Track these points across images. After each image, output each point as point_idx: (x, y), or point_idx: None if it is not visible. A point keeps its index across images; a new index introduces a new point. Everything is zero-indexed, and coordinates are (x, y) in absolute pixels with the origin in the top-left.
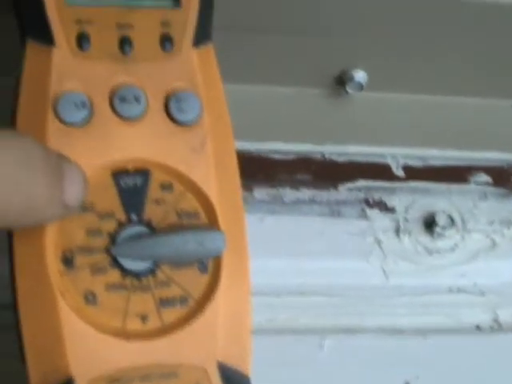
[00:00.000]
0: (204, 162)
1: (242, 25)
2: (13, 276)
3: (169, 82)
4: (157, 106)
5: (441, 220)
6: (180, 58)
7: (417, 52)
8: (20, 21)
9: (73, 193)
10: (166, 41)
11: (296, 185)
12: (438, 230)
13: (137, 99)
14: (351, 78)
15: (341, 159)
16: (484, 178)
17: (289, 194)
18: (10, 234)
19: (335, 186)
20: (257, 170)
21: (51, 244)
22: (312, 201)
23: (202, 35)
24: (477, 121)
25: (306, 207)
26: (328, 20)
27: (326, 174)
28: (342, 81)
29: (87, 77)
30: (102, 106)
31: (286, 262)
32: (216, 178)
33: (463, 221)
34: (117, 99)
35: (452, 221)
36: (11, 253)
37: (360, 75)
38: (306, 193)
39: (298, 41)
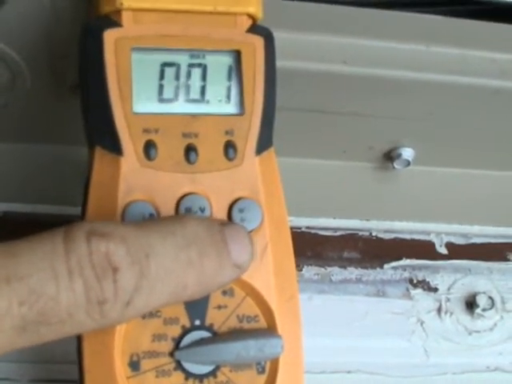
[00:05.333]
0: (264, 267)
1: (296, 106)
2: (81, 378)
3: (232, 190)
4: (220, 214)
5: (481, 301)
6: (243, 166)
7: (460, 129)
8: (88, 128)
9: (240, 253)
10: (230, 148)
11: (343, 263)
12: (478, 311)
13: (202, 209)
14: (399, 155)
15: (387, 236)
16: None
17: (336, 272)
18: (78, 338)
19: (381, 265)
20: (305, 247)
21: (119, 349)
22: (359, 280)
23: (265, 142)
24: None
25: (353, 286)
26: (379, 103)
27: (373, 251)
28: (390, 157)
29: (154, 186)
30: None
31: (332, 340)
32: (275, 282)
33: (503, 301)
34: (183, 209)
35: (492, 301)
36: (80, 355)
37: (407, 153)
38: (353, 272)
39: (349, 120)
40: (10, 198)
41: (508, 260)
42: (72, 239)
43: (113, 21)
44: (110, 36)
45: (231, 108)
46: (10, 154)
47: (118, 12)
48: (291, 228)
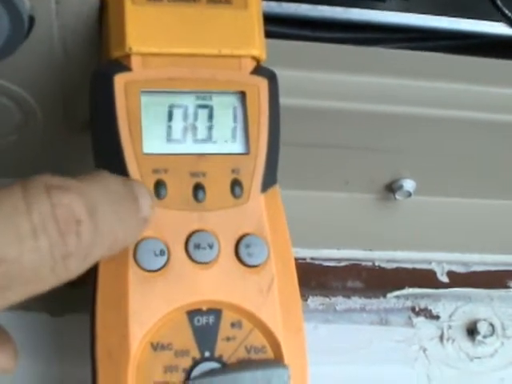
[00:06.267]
0: (271, 301)
1: (299, 140)
2: None
3: (239, 227)
4: (228, 250)
5: (482, 328)
6: (249, 203)
7: (460, 161)
8: (100, 169)
9: (147, 206)
10: (236, 187)
11: (347, 293)
12: (479, 337)
13: (210, 245)
14: (400, 187)
15: (389, 266)
16: None
17: (341, 302)
18: (93, 373)
19: (384, 294)
20: (310, 278)
21: (133, 380)
22: (362, 309)
23: (270, 179)
24: None
25: (357, 316)
26: (380, 138)
27: (376, 281)
28: (391, 188)
29: (164, 224)
30: (178, 253)
31: (337, 368)
32: (281, 315)
33: (503, 327)
34: (192, 246)
35: (492, 328)
36: None
37: (409, 184)
38: (357, 301)
39: (351, 154)
40: None
41: (508, 287)
42: (32, 193)
43: (123, 65)
44: (120, 80)
45: (237, 147)
46: None
47: (128, 56)
48: (296, 259)
